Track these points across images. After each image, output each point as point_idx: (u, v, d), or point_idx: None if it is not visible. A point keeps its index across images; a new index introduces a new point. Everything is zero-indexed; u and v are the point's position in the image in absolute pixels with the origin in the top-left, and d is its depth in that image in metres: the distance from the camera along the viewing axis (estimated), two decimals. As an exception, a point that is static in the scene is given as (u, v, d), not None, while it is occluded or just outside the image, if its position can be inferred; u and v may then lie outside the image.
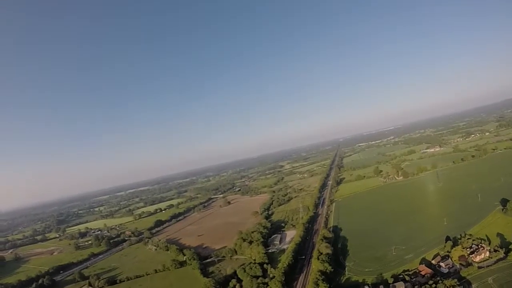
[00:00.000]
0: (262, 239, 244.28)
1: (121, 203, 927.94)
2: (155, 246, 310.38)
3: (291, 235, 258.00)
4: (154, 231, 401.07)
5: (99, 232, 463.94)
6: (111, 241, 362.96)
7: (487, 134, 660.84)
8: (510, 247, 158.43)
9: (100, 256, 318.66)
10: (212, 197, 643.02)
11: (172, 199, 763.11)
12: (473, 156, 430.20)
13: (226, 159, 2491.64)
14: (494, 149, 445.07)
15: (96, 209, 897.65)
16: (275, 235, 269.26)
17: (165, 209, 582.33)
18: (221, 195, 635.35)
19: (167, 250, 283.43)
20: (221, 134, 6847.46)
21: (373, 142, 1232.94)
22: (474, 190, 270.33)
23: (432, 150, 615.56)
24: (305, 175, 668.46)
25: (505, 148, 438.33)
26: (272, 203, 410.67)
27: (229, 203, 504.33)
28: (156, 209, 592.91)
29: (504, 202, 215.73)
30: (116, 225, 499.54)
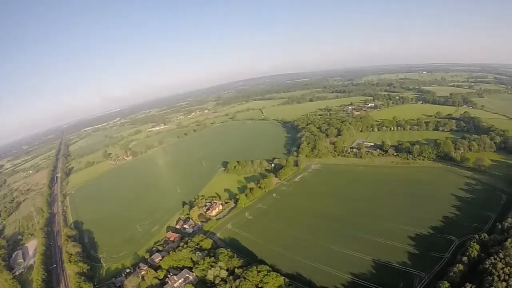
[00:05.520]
0: (3, 263, 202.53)
1: None
2: None
3: (34, 246, 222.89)
4: None
5: None
6: None
7: (206, 111, 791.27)
8: (237, 197, 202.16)
9: None
10: None
11: None
12: (194, 131, 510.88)
13: None
14: (212, 123, 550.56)
15: None
16: (16, 252, 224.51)
17: None
18: None
19: None
20: None
21: (99, 125, 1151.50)
22: (199, 158, 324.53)
23: (158, 128, 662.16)
24: (30, 171, 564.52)
25: (221, 122, 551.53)
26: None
27: None
28: None
29: (225, 164, 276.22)
30: None
